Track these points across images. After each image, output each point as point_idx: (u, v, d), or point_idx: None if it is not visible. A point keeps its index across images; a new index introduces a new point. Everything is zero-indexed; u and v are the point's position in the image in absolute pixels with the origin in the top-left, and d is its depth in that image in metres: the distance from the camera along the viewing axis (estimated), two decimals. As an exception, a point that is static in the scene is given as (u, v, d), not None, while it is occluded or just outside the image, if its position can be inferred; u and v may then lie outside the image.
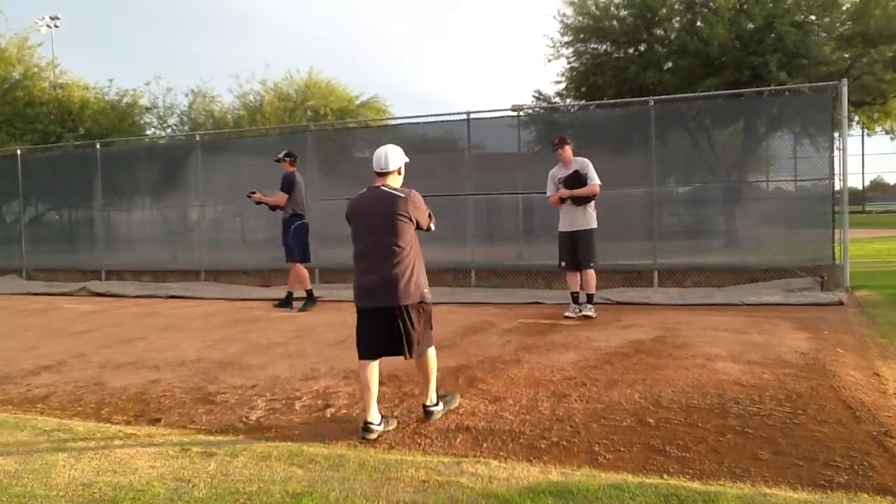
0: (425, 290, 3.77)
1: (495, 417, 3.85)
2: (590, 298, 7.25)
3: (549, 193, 7.32)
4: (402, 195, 3.70)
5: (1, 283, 12.66)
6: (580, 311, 7.16)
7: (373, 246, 3.70)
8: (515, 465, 3.13)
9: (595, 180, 7.05)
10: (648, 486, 2.81)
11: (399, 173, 3.88)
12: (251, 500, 2.84)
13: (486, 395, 4.30)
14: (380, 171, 3.80)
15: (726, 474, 2.95)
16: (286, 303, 8.58)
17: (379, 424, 3.65)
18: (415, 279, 3.69)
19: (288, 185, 8.35)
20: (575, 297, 7.27)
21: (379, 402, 4.20)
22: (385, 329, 3.68)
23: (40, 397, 4.75)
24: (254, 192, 8.52)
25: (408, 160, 3.89)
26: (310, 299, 8.48)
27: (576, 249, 7.14)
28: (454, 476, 3.00)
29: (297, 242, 8.38)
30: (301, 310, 8.32)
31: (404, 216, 3.66)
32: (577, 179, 7.07)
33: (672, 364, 4.87)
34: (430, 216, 3.85)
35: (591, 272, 7.22)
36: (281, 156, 8.52)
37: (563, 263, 7.30)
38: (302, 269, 8.48)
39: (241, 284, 11.13)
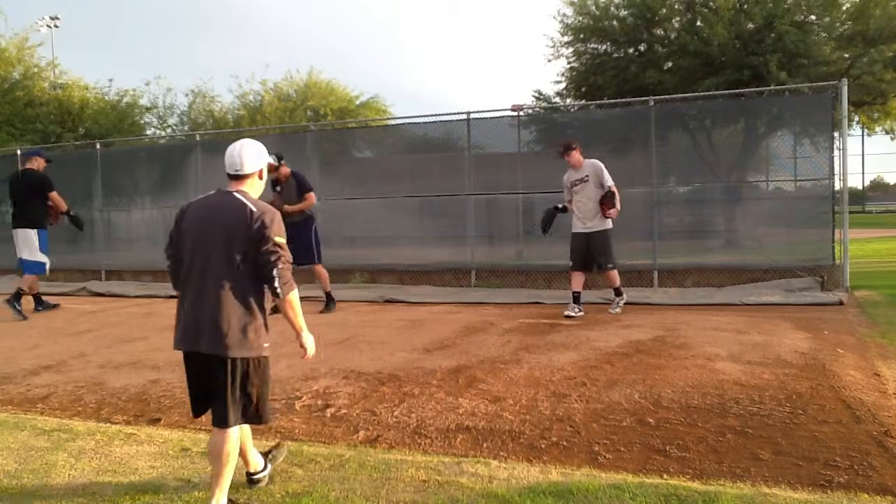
0: (266, 343, 2.80)
1: (495, 417, 3.84)
2: (617, 292, 7.36)
3: (566, 199, 7.36)
4: (261, 209, 2.73)
5: (1, 283, 12.65)
6: (581, 310, 7.15)
7: (204, 269, 2.71)
8: (515, 465, 3.13)
9: (610, 181, 7.10)
10: (648, 485, 2.81)
11: (260, 178, 2.91)
12: (251, 500, 2.85)
13: (486, 395, 4.29)
14: (233, 172, 2.82)
15: (726, 474, 2.95)
16: (330, 304, 8.26)
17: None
18: (256, 323, 2.74)
19: (309, 183, 7.95)
20: (576, 297, 7.25)
21: (379, 402, 4.22)
22: (209, 381, 2.73)
23: (40, 397, 4.74)
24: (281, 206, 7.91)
25: (272, 161, 2.84)
26: (331, 301, 8.27)
27: (588, 251, 7.18)
28: (454, 476, 3.00)
29: (318, 243, 8.08)
30: (324, 311, 8.08)
31: (256, 236, 2.68)
32: (611, 197, 7.06)
33: (672, 364, 4.87)
34: (288, 264, 2.75)
35: (613, 272, 7.28)
36: (282, 161, 7.58)
37: (572, 263, 7.34)
38: (324, 270, 8.23)
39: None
